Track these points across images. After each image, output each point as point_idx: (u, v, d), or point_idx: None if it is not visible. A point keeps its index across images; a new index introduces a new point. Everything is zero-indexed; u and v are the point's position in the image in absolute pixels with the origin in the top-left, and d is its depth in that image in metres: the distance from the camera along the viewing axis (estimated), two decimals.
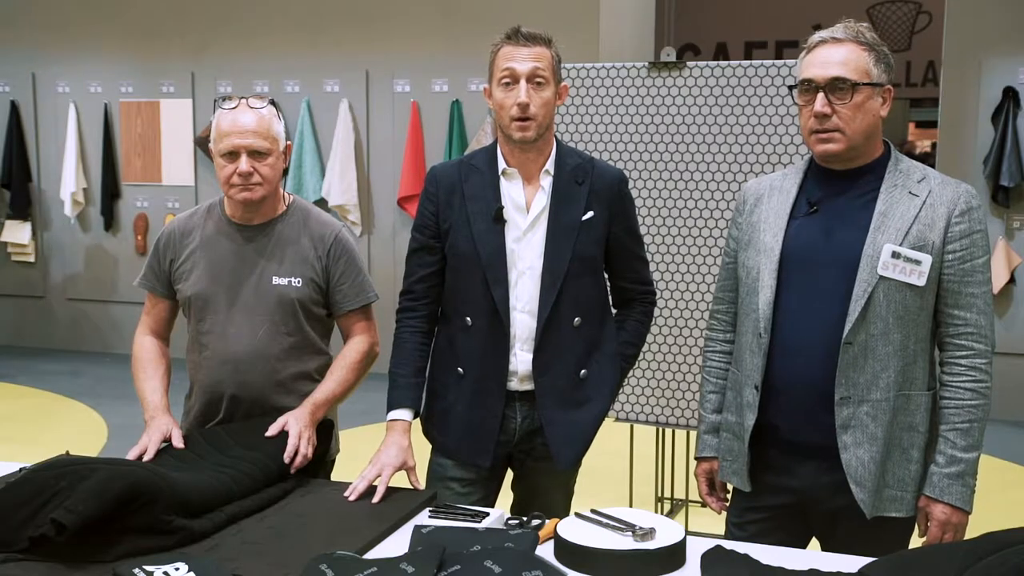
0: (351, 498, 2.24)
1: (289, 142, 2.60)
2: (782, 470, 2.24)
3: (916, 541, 2.17)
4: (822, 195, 2.20)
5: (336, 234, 2.60)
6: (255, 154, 2.46)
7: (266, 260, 2.55)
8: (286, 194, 2.65)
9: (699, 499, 4.38)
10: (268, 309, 2.53)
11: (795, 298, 2.17)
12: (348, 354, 2.60)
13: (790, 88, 2.25)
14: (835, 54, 2.11)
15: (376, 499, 2.23)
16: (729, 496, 2.40)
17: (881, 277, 2.09)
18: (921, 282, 2.10)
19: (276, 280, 2.53)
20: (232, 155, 2.46)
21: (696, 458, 2.44)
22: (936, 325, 2.18)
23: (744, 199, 2.33)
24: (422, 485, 2.32)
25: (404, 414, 2.42)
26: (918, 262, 2.09)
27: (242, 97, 2.51)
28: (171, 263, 2.61)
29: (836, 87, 2.10)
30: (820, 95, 2.11)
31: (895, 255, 2.09)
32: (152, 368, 2.62)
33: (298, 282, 2.54)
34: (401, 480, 2.36)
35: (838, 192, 2.19)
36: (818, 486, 2.20)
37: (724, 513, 2.42)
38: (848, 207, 2.17)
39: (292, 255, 2.56)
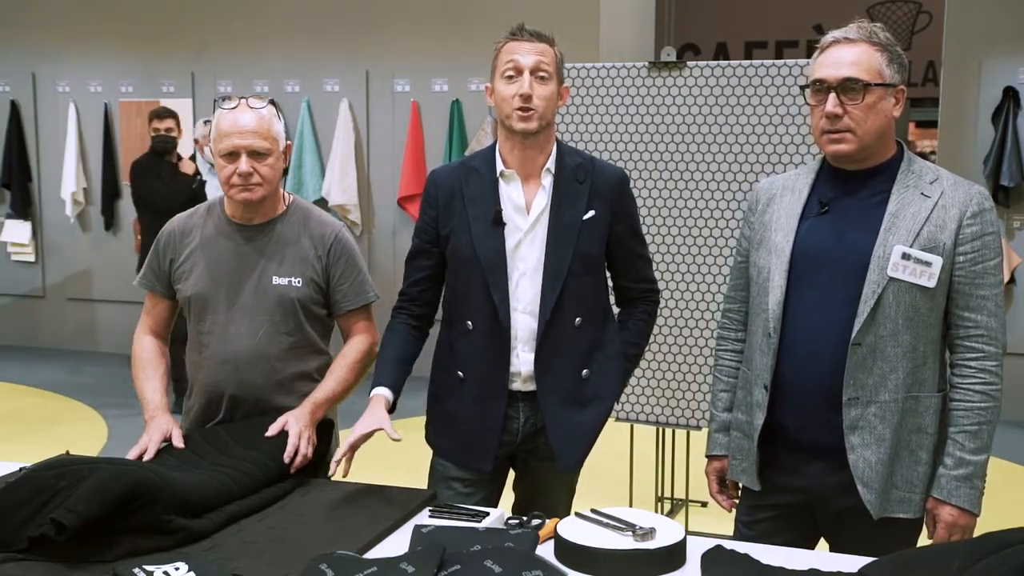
0: (334, 470, 2.27)
1: (289, 142, 2.60)
2: (790, 470, 2.24)
3: (924, 542, 2.17)
4: (833, 195, 2.19)
5: (336, 234, 2.60)
6: (255, 154, 2.46)
7: (266, 260, 2.55)
8: (286, 194, 2.64)
9: (699, 499, 4.40)
10: (268, 309, 2.53)
11: (805, 298, 2.17)
12: (348, 354, 2.59)
13: (802, 88, 2.24)
14: (847, 54, 2.11)
15: (336, 456, 2.25)
16: (739, 495, 2.40)
17: (891, 278, 2.09)
18: (931, 284, 2.09)
19: (276, 280, 2.53)
20: (232, 155, 2.46)
21: (707, 456, 2.44)
22: (946, 327, 2.17)
23: (756, 198, 2.33)
24: (397, 434, 2.31)
25: (382, 391, 2.41)
26: (928, 263, 2.09)
27: (242, 97, 2.51)
28: (171, 263, 2.61)
29: (848, 87, 2.09)
30: (832, 95, 2.10)
31: (905, 256, 2.09)
32: (152, 368, 2.62)
33: (298, 282, 2.54)
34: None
35: (849, 192, 2.18)
36: (826, 486, 2.19)
37: (731, 512, 2.42)
38: (859, 207, 2.16)
39: (292, 255, 2.55)
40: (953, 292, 2.13)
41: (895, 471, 2.14)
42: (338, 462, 2.26)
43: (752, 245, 2.30)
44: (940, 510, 2.13)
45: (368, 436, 2.29)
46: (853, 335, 2.10)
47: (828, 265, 2.15)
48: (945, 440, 2.15)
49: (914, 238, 2.09)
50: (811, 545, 2.27)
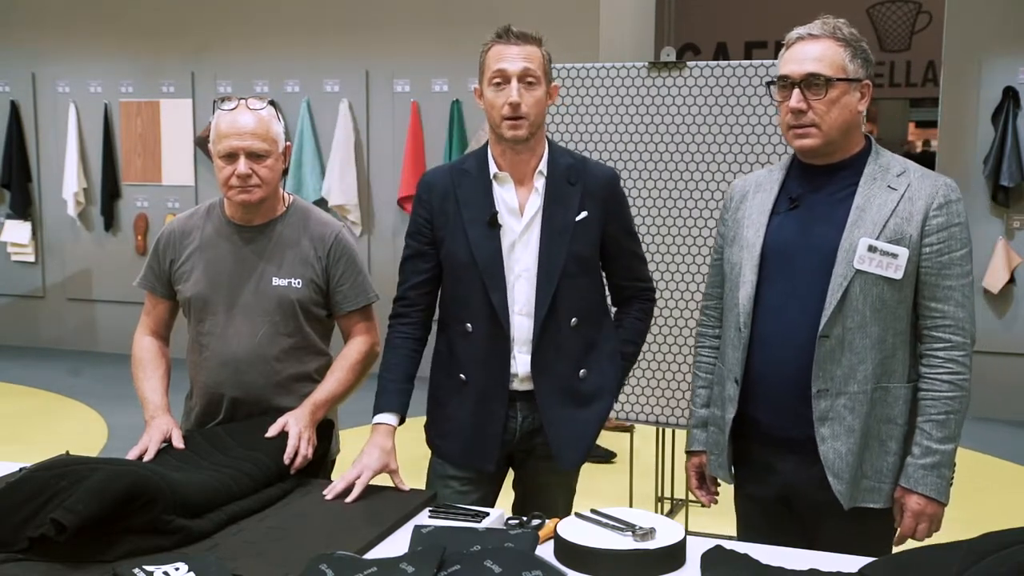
0: (328, 497, 2.25)
1: (288, 143, 2.59)
2: (764, 464, 2.27)
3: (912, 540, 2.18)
4: (802, 190, 2.23)
5: (336, 234, 2.60)
6: (253, 156, 2.45)
7: (266, 261, 2.55)
8: (286, 194, 2.64)
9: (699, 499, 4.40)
10: (268, 310, 2.53)
11: (774, 293, 2.20)
12: (348, 354, 2.59)
13: (767, 84, 2.28)
14: (811, 50, 2.15)
15: (350, 499, 2.23)
16: (719, 490, 2.43)
17: (857, 271, 2.12)
18: (898, 275, 2.12)
19: (276, 281, 2.53)
20: (230, 157, 2.46)
21: (686, 452, 2.47)
22: (916, 318, 2.19)
23: (731, 196, 2.37)
24: (406, 486, 2.33)
25: (389, 418, 2.40)
26: (895, 255, 2.11)
27: (241, 98, 2.51)
28: (171, 264, 2.61)
29: (811, 83, 2.13)
30: (796, 91, 2.14)
31: (871, 248, 2.11)
32: (152, 368, 2.62)
33: (298, 283, 2.54)
34: (388, 482, 2.36)
35: (818, 187, 2.22)
36: (801, 480, 2.22)
37: (711, 507, 2.45)
38: (827, 202, 2.20)
39: (292, 256, 2.55)
40: (920, 283, 2.15)
41: (865, 461, 2.17)
42: (337, 491, 2.26)
43: (726, 242, 2.34)
44: (907, 499, 2.15)
45: (378, 474, 2.31)
46: (820, 327, 2.13)
47: (797, 260, 2.18)
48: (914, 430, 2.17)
49: (880, 230, 2.12)
50: (788, 538, 2.27)
